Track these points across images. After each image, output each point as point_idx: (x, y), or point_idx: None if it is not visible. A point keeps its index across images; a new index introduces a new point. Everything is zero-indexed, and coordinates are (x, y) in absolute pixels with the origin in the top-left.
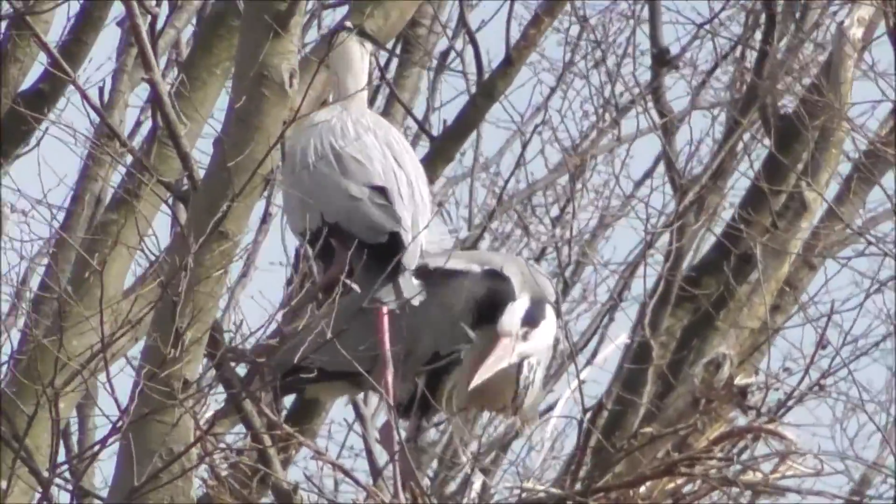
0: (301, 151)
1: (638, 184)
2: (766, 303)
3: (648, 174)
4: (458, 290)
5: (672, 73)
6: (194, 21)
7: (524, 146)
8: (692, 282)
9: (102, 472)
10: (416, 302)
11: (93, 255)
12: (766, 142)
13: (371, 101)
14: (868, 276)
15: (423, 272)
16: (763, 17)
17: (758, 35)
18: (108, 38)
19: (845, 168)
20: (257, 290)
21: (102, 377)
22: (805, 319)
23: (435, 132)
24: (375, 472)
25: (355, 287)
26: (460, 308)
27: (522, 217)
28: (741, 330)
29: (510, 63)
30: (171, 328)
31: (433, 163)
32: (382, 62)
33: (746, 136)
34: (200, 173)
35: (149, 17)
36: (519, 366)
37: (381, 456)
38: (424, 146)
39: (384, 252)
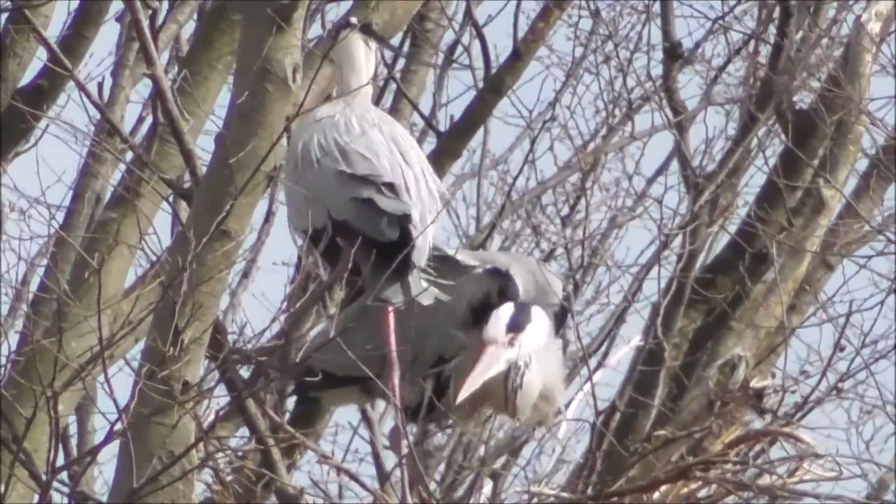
0: (305, 147)
1: (650, 181)
2: (784, 303)
3: (660, 171)
4: (461, 292)
5: (685, 68)
6: (195, 17)
7: (533, 142)
8: (706, 282)
9: (102, 475)
10: (425, 301)
11: (92, 254)
12: (781, 138)
13: (378, 98)
14: (888, 278)
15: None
16: (777, 12)
17: (772, 29)
18: (108, 34)
19: (862, 165)
20: (260, 290)
21: (102, 378)
22: (823, 319)
23: (442, 129)
24: (383, 476)
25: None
26: (463, 310)
27: (532, 216)
28: (757, 330)
29: (518, 57)
30: (171, 328)
31: (440, 159)
32: (388, 59)
33: (761, 133)
34: (203, 170)
35: (149, 12)
36: (507, 371)
37: (389, 460)
38: (431, 143)
39: (392, 250)
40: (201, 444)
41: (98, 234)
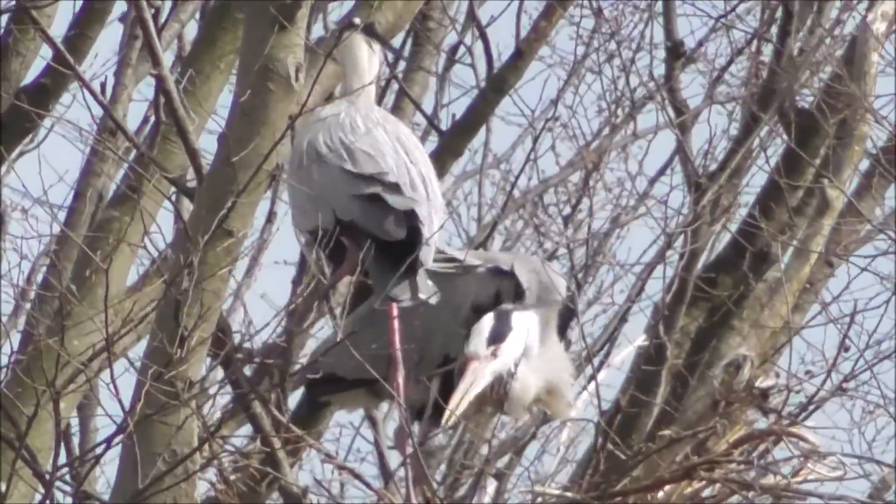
0: (309, 146)
1: (653, 181)
2: (788, 303)
3: (663, 171)
4: (466, 291)
5: (688, 68)
6: (198, 16)
7: (535, 141)
8: (707, 281)
9: (105, 475)
10: (432, 301)
11: (95, 252)
12: (783, 138)
13: (380, 98)
14: (889, 279)
15: (434, 272)
16: (780, 11)
17: (774, 29)
18: (110, 35)
19: (865, 163)
20: (263, 289)
21: (104, 376)
22: (827, 319)
23: (444, 128)
24: (386, 475)
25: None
26: (467, 309)
27: (534, 215)
28: (761, 330)
29: (520, 56)
30: (174, 327)
31: (442, 158)
32: (391, 59)
33: (763, 133)
34: (207, 169)
35: (152, 11)
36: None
37: (392, 459)
38: (433, 142)
39: (397, 250)
40: (205, 444)
41: (100, 232)
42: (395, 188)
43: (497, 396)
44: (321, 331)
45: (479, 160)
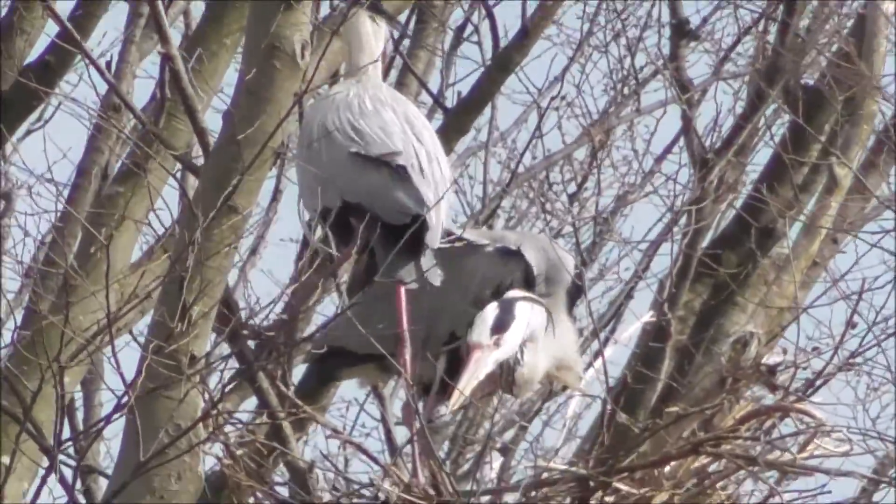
0: (318, 126)
1: (659, 159)
2: (796, 281)
3: (669, 149)
4: (472, 270)
5: (694, 46)
6: None
7: (541, 118)
8: (712, 257)
9: (109, 451)
10: (437, 282)
11: (99, 229)
12: (789, 118)
13: (385, 75)
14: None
15: (442, 251)
16: None
17: (780, 7)
18: (115, 14)
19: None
20: (268, 266)
21: (108, 352)
22: (835, 296)
23: (449, 105)
24: (393, 450)
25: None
26: (475, 288)
27: (539, 193)
28: (768, 307)
29: (526, 35)
30: (178, 302)
31: (447, 135)
32: (396, 36)
33: (769, 111)
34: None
35: None
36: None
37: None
38: (438, 120)
39: (404, 230)
40: (209, 419)
41: (105, 208)
42: (403, 171)
43: (506, 383)
44: (326, 307)
45: (484, 138)
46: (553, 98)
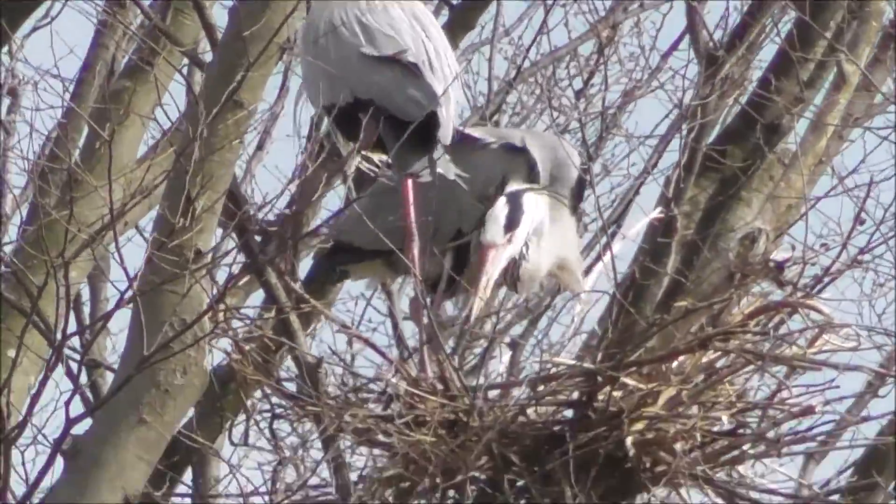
0: (325, 22)
1: (665, 55)
2: (804, 176)
3: (675, 46)
4: (478, 166)
5: None
6: None
7: (546, 13)
8: (718, 152)
9: (115, 346)
10: (451, 175)
11: (104, 124)
12: (795, 14)
13: None
14: None
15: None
16: None
17: None
18: None
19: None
20: (274, 163)
21: (113, 248)
22: (842, 190)
23: (455, 1)
24: (402, 345)
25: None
26: (480, 185)
27: (546, 89)
28: (776, 203)
29: None
30: (183, 197)
31: (452, 31)
32: None
33: (775, 11)
34: None
35: None
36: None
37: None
38: (444, 16)
39: (417, 125)
40: (214, 312)
41: (111, 103)
42: (414, 68)
43: (510, 279)
44: (332, 202)
45: (488, 35)
46: None
